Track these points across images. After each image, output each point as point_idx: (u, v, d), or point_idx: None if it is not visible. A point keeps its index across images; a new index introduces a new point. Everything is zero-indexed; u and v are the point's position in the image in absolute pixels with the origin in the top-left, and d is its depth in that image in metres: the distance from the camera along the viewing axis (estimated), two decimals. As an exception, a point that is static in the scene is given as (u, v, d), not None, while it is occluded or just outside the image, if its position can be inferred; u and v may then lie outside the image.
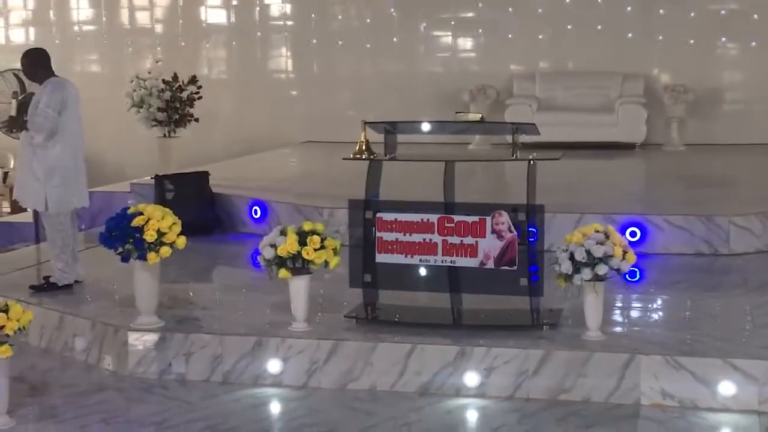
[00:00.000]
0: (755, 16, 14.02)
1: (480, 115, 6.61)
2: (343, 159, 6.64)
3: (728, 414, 5.46)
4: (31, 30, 16.64)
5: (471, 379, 5.85)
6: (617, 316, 6.60)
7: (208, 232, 9.56)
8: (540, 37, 14.65)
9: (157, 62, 12.26)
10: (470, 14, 15.08)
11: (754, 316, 6.52)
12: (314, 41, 15.46)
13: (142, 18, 16.27)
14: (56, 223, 7.37)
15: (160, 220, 6.21)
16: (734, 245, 8.36)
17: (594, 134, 13.50)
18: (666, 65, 14.38)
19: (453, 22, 15.17)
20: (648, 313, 7.01)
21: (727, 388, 5.53)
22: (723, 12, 14.17)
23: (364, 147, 6.50)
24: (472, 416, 5.63)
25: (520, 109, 13.48)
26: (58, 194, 7.33)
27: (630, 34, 14.31)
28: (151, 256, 6.19)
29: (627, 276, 7.21)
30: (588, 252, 5.82)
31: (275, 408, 5.86)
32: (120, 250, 6.26)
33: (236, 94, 15.42)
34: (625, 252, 5.90)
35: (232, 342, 6.22)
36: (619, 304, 6.86)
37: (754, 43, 14.18)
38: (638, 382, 5.65)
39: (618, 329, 6.32)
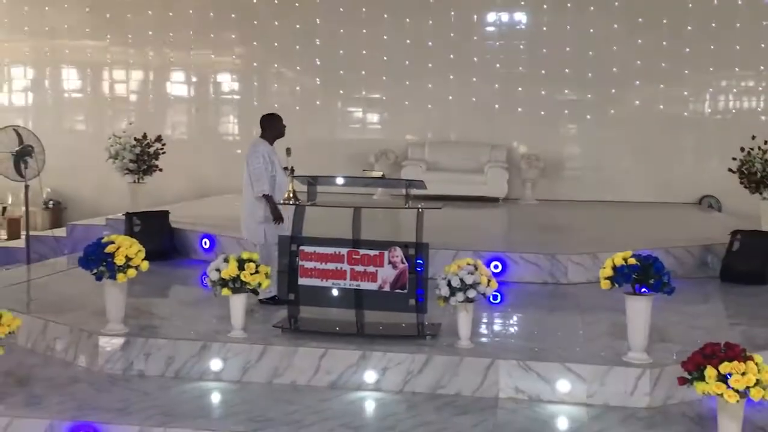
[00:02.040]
0: (588, 103, 14.40)
1: (381, 173, 6.66)
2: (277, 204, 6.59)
3: (564, 405, 5.53)
4: (30, 95, 16.18)
5: (370, 376, 5.83)
6: (483, 330, 6.64)
7: (167, 259, 9.38)
8: (429, 110, 14.79)
9: (130, 124, 12.03)
10: (376, 95, 15.19)
11: (585, 331, 6.63)
12: (256, 108, 15.37)
13: (120, 89, 15.98)
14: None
15: (128, 248, 6.08)
16: (571, 277, 8.48)
17: (468, 189, 13.62)
18: (523, 139, 14.61)
19: (363, 101, 15.27)
20: (506, 328, 7.07)
21: (563, 385, 5.61)
22: (565, 100, 14.52)
23: (291, 194, 6.48)
24: (370, 405, 5.59)
25: (413, 169, 13.56)
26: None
27: (496, 114, 14.55)
28: (120, 276, 6.05)
29: (491, 298, 7.31)
30: (461, 280, 5.86)
31: (216, 398, 5.72)
32: (95, 271, 6.11)
33: (193, 150, 15.20)
34: (489, 280, 5.96)
35: (182, 345, 6.09)
36: (485, 320, 6.91)
37: (587, 124, 14.55)
38: (497, 380, 5.69)
39: (483, 339, 6.34)
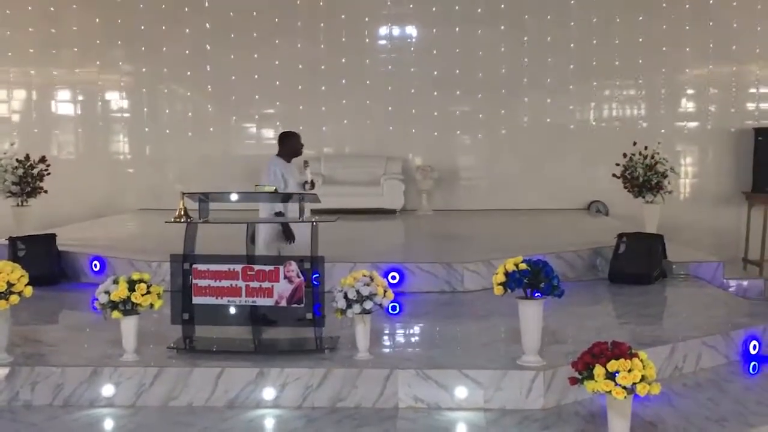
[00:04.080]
0: (480, 115, 14.72)
1: (274, 188, 6.58)
2: (166, 222, 6.43)
3: (462, 411, 5.59)
4: None
5: (268, 393, 5.75)
6: (382, 341, 6.62)
7: (55, 283, 9.01)
8: (323, 128, 14.82)
9: (12, 145, 11.53)
10: (270, 110, 15.09)
11: (481, 337, 6.72)
12: (146, 129, 15.06)
13: (1, 109, 15.35)
14: None
15: (9, 273, 5.81)
16: (467, 284, 8.59)
17: (365, 202, 13.69)
18: (418, 150, 14.79)
19: (257, 116, 15.13)
20: (404, 338, 7.06)
21: (461, 392, 5.67)
22: (458, 112, 14.78)
23: (183, 212, 6.33)
24: (269, 423, 5.52)
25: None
26: None
27: (391, 127, 14.68)
28: (1, 303, 5.77)
29: (389, 309, 7.37)
30: (357, 291, 5.87)
31: (109, 424, 5.52)
32: (-26, 298, 5.81)
33: (82, 171, 14.71)
34: (385, 291, 5.98)
35: (71, 372, 5.86)
36: (384, 332, 6.91)
37: (479, 136, 14.87)
38: (396, 390, 5.70)
39: (383, 350, 6.33)
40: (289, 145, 7.59)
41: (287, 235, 7.21)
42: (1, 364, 5.91)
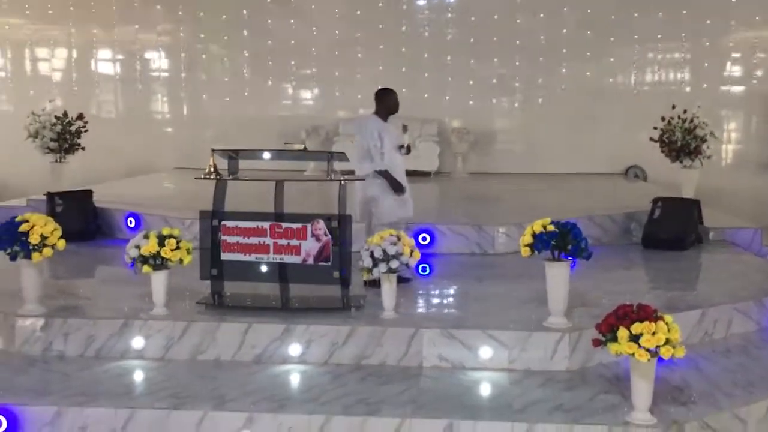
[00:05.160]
0: (517, 82, 14.56)
1: (303, 146, 6.58)
2: (195, 178, 6.49)
3: (487, 371, 5.59)
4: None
5: (294, 349, 5.81)
6: (409, 300, 6.60)
7: (91, 238, 9.20)
8: (359, 95, 14.73)
9: (51, 101, 11.67)
10: (307, 70, 15.08)
11: (508, 299, 6.70)
12: (182, 95, 15.19)
13: (43, 67, 15.57)
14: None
15: (43, 227, 5.92)
16: (498, 247, 8.59)
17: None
18: (453, 114, 14.71)
19: (293, 79, 15.13)
20: (431, 298, 7.05)
21: (486, 352, 5.68)
22: (494, 80, 14.64)
23: (212, 169, 6.38)
24: (295, 378, 5.57)
25: (344, 144, 13.46)
26: None
27: (426, 94, 14.58)
28: (35, 255, 5.90)
29: (419, 270, 7.38)
30: (384, 251, 5.88)
31: (138, 376, 5.64)
32: (9, 251, 5.94)
33: (120, 129, 14.91)
34: (412, 251, 5.99)
35: (103, 324, 5.97)
36: (411, 292, 6.89)
37: (516, 101, 14.73)
38: (421, 349, 5.72)
39: (408, 310, 6.34)
40: (386, 102, 7.21)
41: (395, 187, 6.97)
42: (35, 315, 6.05)
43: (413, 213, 7.28)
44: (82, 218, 9.27)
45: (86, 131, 10.75)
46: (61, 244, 6.03)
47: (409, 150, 7.19)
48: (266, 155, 6.61)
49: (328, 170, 6.35)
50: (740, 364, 5.79)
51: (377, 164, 6.94)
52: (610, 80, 14.45)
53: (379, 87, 7.34)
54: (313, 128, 14.04)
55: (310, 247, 6.16)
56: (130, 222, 9.33)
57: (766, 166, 13.90)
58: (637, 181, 13.69)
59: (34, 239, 5.84)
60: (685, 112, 10.16)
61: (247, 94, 15.01)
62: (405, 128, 7.24)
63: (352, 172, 6.90)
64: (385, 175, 6.94)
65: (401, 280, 6.52)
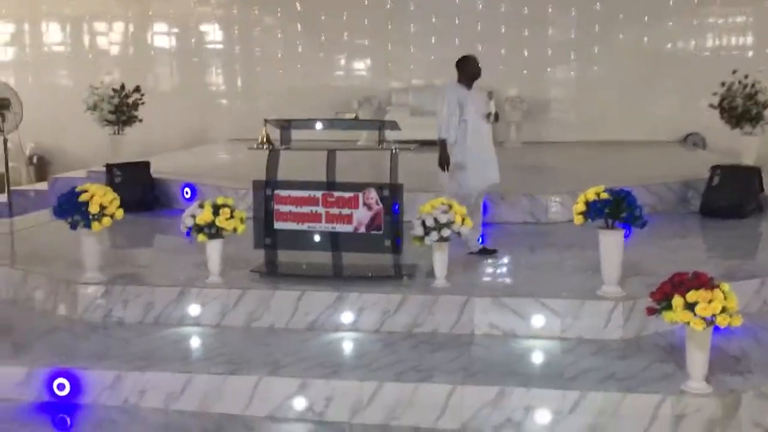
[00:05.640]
0: (572, 52, 14.31)
1: (355, 114, 6.57)
2: (248, 148, 6.56)
3: (538, 340, 5.58)
4: (10, 50, 16.02)
5: (347, 317, 5.87)
6: (460, 269, 6.56)
7: (150, 209, 9.39)
8: (411, 66, 14.67)
9: (108, 74, 11.89)
10: (359, 41, 15.04)
11: (562, 267, 6.67)
12: (236, 67, 15.32)
13: (101, 42, 15.83)
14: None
15: (102, 196, 6.06)
16: (551, 216, 8.54)
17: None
18: (506, 82, 14.51)
19: (346, 46, 15.12)
20: (483, 266, 6.93)
21: (538, 320, 5.66)
22: (549, 51, 14.42)
23: (265, 139, 6.42)
24: (347, 345, 5.63)
25: (397, 114, 13.43)
26: None
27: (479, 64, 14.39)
28: (95, 224, 6.05)
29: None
30: (435, 219, 5.88)
31: (195, 342, 5.77)
32: (69, 220, 6.10)
33: (176, 102, 15.11)
34: (463, 219, 5.97)
35: (160, 292, 6.12)
36: (463, 260, 6.86)
37: (571, 69, 14.49)
38: (472, 317, 5.73)
39: (460, 278, 6.31)
40: (467, 69, 7.05)
41: (441, 161, 6.86)
42: (96, 283, 6.21)
43: (499, 178, 7.17)
44: (139, 189, 9.46)
45: (143, 104, 10.93)
46: (120, 213, 6.16)
47: (497, 118, 7.09)
48: (318, 125, 6.62)
49: (379, 139, 6.34)
50: (800, 333, 5.65)
51: (443, 132, 6.81)
52: (669, 46, 14.10)
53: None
54: (365, 98, 14.02)
55: (361, 215, 6.19)
56: (186, 192, 9.49)
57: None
58: (695, 149, 13.38)
59: (93, 209, 5.98)
60: (746, 77, 9.87)
61: (300, 66, 15.06)
62: (490, 95, 7.14)
63: (404, 142, 6.87)
64: (441, 145, 6.85)
65: (487, 252, 6.57)
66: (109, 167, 9.73)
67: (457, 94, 6.94)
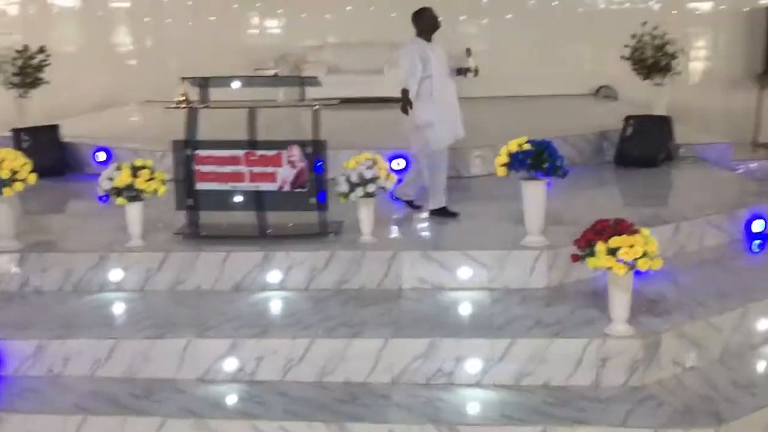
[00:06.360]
0: (484, 10, 14.31)
1: (275, 71, 6.45)
2: (166, 108, 6.38)
3: (466, 291, 5.65)
4: None
5: (274, 276, 5.83)
6: (385, 224, 6.59)
7: (61, 174, 9.05)
8: (326, 15, 14.46)
9: (9, 34, 11.30)
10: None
11: (485, 220, 6.73)
12: (146, 19, 14.79)
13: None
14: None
15: (13, 161, 5.81)
16: (473, 170, 8.61)
17: (371, 91, 13.37)
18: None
19: (259, 5, 14.78)
20: (408, 222, 6.98)
21: (465, 272, 5.73)
22: (462, 6, 14.45)
23: (183, 98, 6.25)
24: (276, 304, 5.60)
25: (314, 71, 13.23)
26: None
27: (393, 14, 14.30)
28: (6, 190, 5.81)
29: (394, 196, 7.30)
30: (360, 175, 5.85)
31: (119, 307, 5.64)
32: (-22, 186, 5.83)
33: (84, 63, 14.49)
34: (388, 174, 5.97)
35: (80, 258, 5.94)
36: (388, 215, 6.88)
37: (484, 21, 14.51)
38: (400, 272, 5.76)
39: (386, 234, 6.36)
40: (423, 22, 6.90)
41: (402, 107, 6.73)
42: (11, 251, 5.97)
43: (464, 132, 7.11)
44: (49, 153, 9.10)
45: (48, 64, 10.44)
46: (32, 178, 5.93)
47: (476, 72, 6.96)
48: (237, 82, 6.47)
49: (300, 95, 6.25)
50: (713, 275, 5.90)
51: (405, 83, 6.69)
52: (578, 1, 14.27)
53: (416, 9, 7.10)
54: (281, 56, 13.75)
55: (285, 173, 6.11)
56: (100, 156, 9.17)
57: (734, 82, 13.92)
58: (608, 101, 13.66)
59: (4, 174, 5.75)
60: (656, 28, 10.08)
61: (212, 23, 14.66)
62: (468, 51, 7.02)
63: (321, 100, 6.77)
64: (403, 93, 6.68)
65: (448, 214, 6.59)
66: (16, 132, 9.32)
67: (418, 49, 6.75)
